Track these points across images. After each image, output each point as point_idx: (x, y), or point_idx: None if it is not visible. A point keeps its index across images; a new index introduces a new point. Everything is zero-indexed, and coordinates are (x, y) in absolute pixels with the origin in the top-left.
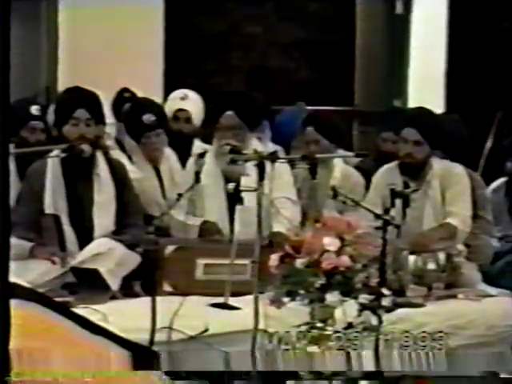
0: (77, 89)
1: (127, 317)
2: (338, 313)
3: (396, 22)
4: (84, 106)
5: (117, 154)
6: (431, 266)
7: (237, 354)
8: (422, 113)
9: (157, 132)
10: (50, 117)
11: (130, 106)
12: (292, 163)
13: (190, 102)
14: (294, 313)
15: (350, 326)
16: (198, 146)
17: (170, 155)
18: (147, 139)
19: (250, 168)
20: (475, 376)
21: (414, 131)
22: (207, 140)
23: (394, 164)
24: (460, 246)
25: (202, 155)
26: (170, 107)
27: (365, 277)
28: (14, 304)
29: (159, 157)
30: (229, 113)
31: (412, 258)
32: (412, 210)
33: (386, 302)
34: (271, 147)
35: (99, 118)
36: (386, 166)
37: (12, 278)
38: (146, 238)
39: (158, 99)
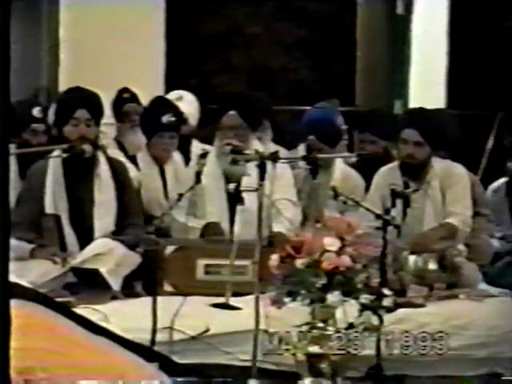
0: (77, 89)
1: (128, 317)
2: (338, 313)
3: (396, 22)
4: (84, 106)
5: (116, 153)
6: (432, 266)
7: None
8: (423, 113)
9: (171, 134)
10: (51, 117)
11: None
12: (293, 163)
13: (184, 103)
14: (295, 313)
15: (350, 326)
16: (196, 146)
17: (177, 158)
18: (159, 138)
19: (251, 168)
20: (476, 376)
21: (415, 132)
22: (205, 140)
23: (394, 164)
24: (460, 246)
25: (203, 155)
26: None
27: (365, 277)
28: (15, 304)
29: (167, 157)
30: (231, 113)
31: (412, 258)
32: (412, 210)
33: (386, 302)
34: (272, 147)
35: (100, 118)
36: (386, 167)
37: (13, 278)
38: (146, 238)
39: None
